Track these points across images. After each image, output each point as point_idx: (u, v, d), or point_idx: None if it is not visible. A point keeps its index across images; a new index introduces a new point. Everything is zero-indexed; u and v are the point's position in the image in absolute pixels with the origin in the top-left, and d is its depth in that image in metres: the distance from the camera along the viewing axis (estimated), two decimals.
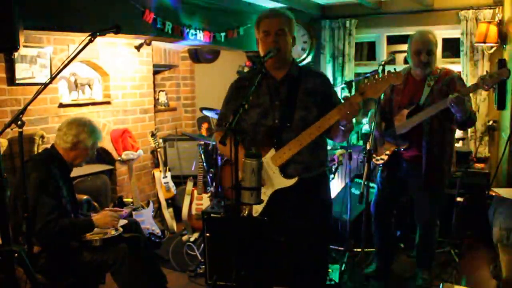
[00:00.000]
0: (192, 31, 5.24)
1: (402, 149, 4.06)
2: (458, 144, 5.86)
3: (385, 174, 4.28)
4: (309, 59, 6.77)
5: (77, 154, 3.49)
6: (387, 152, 4.13)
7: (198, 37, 5.34)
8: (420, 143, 3.97)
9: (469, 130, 5.72)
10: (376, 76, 2.76)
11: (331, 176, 5.04)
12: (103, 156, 5.61)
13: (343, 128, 2.87)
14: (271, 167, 2.90)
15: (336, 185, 6.15)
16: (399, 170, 4.18)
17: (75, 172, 4.00)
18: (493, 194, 4.35)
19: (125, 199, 5.31)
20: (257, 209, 2.91)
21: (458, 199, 4.79)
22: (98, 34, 2.89)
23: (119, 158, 5.60)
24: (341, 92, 5.72)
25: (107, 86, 5.66)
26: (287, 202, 2.94)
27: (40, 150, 4.28)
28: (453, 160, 4.15)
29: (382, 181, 4.33)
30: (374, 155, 4.23)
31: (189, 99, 7.44)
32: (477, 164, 5.55)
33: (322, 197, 3.08)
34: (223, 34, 5.73)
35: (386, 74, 2.76)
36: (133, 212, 5.06)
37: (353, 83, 4.86)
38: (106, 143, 5.46)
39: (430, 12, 6.01)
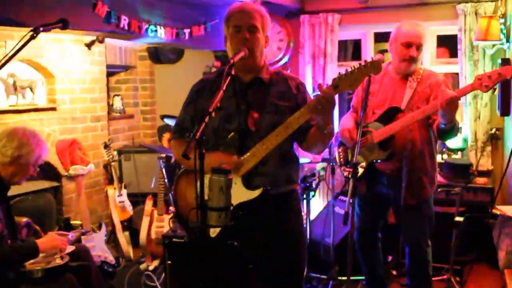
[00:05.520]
0: (152, 27, 5.22)
1: (379, 161, 4.05)
2: (456, 156, 5.93)
3: (362, 193, 4.20)
4: (285, 59, 6.79)
5: (17, 170, 3.46)
6: (363, 164, 4.07)
7: (159, 34, 5.33)
8: (401, 153, 3.96)
9: (470, 139, 5.78)
10: (351, 68, 2.74)
11: (311, 193, 5.04)
12: (47, 171, 5.54)
13: (324, 132, 2.85)
14: (233, 177, 2.87)
15: (317, 204, 6.17)
16: (378, 186, 4.17)
17: (13, 190, 3.94)
18: (498, 212, 4.39)
19: (72, 222, 5.26)
20: (214, 230, 2.81)
21: (458, 218, 4.81)
22: (41, 29, 2.87)
23: (66, 174, 5.54)
24: None
25: (52, 89, 5.61)
26: (251, 220, 2.88)
27: None
28: (436, 173, 4.17)
29: (360, 203, 4.28)
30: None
31: (149, 105, 7.43)
32: (478, 178, 5.57)
33: (289, 220, 3.04)
34: (187, 31, 5.73)
35: (362, 63, 2.73)
36: (82, 237, 4.99)
37: None
38: (51, 155, 5.38)
39: (424, 5, 6.04)
